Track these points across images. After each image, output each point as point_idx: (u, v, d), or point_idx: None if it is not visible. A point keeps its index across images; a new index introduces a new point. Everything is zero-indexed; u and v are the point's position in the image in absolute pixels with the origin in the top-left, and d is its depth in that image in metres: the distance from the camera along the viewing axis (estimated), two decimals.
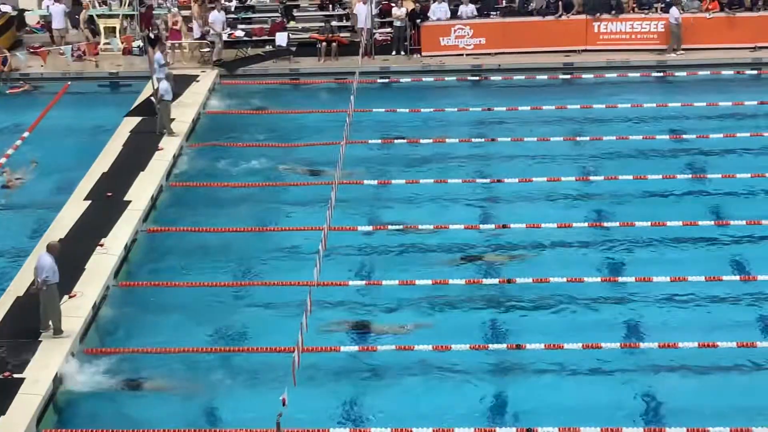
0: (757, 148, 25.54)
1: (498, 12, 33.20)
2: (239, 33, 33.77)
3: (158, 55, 28.99)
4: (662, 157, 25.28)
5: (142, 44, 31.90)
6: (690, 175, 24.16)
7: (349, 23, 34.03)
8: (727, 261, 20.70)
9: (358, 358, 18.08)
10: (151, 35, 30.07)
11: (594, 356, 17.74)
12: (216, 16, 32.44)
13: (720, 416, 16.07)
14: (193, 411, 16.89)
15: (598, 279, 20.04)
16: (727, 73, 30.73)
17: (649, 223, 21.70)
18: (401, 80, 31.43)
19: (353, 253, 21.61)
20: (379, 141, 26.90)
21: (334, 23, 33.70)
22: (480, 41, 32.63)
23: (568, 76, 31.19)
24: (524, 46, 32.39)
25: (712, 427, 15.71)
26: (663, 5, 32.44)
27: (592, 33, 32.33)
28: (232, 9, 34.39)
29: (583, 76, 31.00)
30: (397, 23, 32.46)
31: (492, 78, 31.19)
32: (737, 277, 19.92)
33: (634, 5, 32.76)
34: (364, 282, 20.44)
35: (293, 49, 33.09)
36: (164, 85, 26.59)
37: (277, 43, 33.10)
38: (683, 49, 31.57)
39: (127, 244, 21.45)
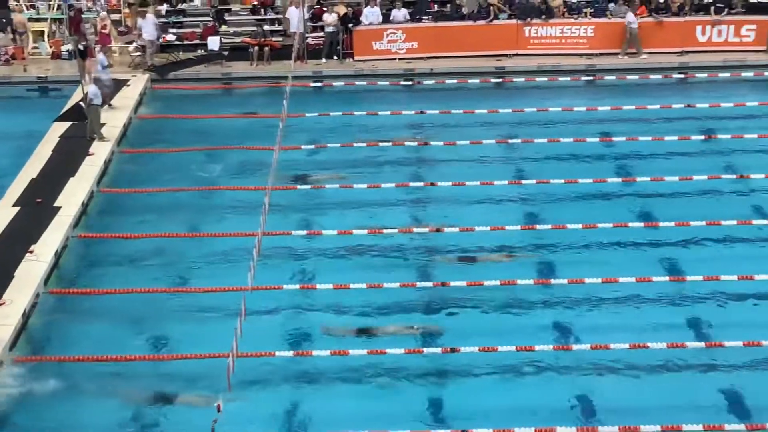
0: (685, 151, 25.93)
1: (430, 16, 33.36)
2: (171, 37, 33.53)
3: (101, 56, 28.74)
4: (593, 160, 25.54)
5: (71, 49, 31.49)
6: (620, 178, 24.44)
7: (281, 27, 33.94)
8: (656, 262, 20.99)
9: (293, 363, 18.05)
10: (80, 47, 29.66)
11: (528, 358, 17.89)
12: (143, 22, 32.15)
13: (651, 414, 16.32)
14: (126, 419, 16.72)
15: (531, 281, 20.20)
16: (655, 77, 31.19)
17: (580, 225, 21.94)
18: (334, 84, 31.43)
19: (288, 257, 21.56)
20: (313, 146, 26.87)
21: (266, 27, 33.59)
22: (412, 45, 32.76)
23: (500, 80, 31.42)
24: (456, 50, 32.58)
25: (643, 425, 15.95)
26: (592, 10, 32.88)
27: (523, 37, 32.62)
28: (164, 13, 34.11)
29: (515, 79, 31.24)
30: (329, 29, 32.43)
31: (424, 82, 31.30)
32: (667, 278, 20.22)
33: (564, 10, 33.13)
34: (298, 286, 20.41)
35: (225, 53, 32.92)
36: (93, 90, 26.28)
37: (209, 47, 32.91)
38: (629, 54, 32.07)
39: (58, 251, 21.17)
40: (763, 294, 19.61)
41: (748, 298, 19.54)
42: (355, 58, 32.72)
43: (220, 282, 20.09)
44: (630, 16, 31.90)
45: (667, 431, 15.89)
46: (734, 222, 21.96)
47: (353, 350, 17.98)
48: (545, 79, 31.05)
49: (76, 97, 28.49)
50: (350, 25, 32.83)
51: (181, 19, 34.39)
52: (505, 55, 32.57)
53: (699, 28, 32.41)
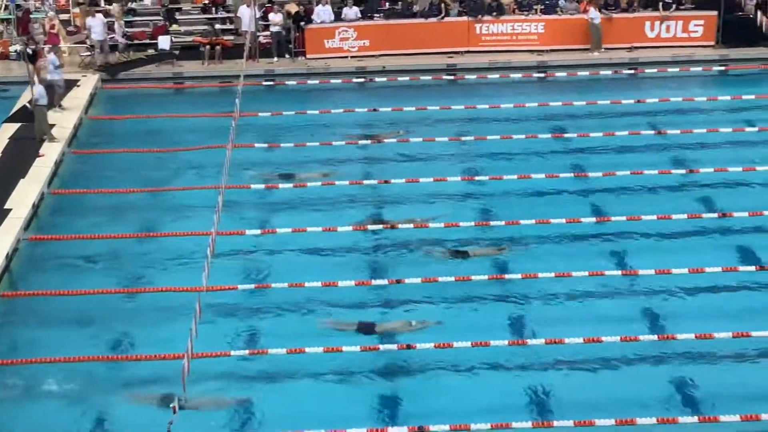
0: (636, 146, 26.15)
1: (382, 14, 33.39)
2: (120, 38, 33.24)
3: (52, 56, 28.47)
4: (545, 156, 25.68)
5: (20, 50, 31.14)
6: (572, 174, 24.60)
7: (232, 26, 33.80)
8: (608, 256, 21.16)
9: (250, 362, 18.01)
10: (29, 50, 29.33)
11: (483, 353, 17.97)
12: (92, 22, 31.87)
13: (606, 408, 16.44)
14: (80, 421, 16.58)
15: (485, 277, 20.29)
16: (606, 72, 31.44)
17: (533, 221, 22.07)
18: (286, 83, 31.35)
19: (242, 257, 21.50)
20: (265, 144, 26.80)
21: (217, 26, 33.45)
22: (364, 43, 32.77)
23: (452, 77, 31.51)
24: (408, 47, 32.64)
25: (598, 419, 16.08)
26: (543, 7, 33.07)
27: (474, 34, 32.75)
28: (113, 13, 33.79)
29: (467, 76, 31.36)
30: (275, 28, 32.32)
31: (377, 79, 31.31)
32: (619, 272, 20.39)
33: (515, 7, 33.30)
34: (253, 285, 20.36)
35: (176, 52, 32.72)
36: (39, 90, 26.01)
37: (160, 46, 32.69)
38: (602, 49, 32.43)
39: (9, 254, 20.94)
40: (714, 287, 19.83)
41: (699, 291, 19.74)
42: (307, 56, 32.67)
43: (174, 282, 19.98)
44: (593, 12, 32.09)
45: (622, 425, 16.01)
46: (684, 216, 22.20)
47: (309, 348, 17.95)
48: (497, 75, 31.18)
49: (25, 98, 28.17)
50: (302, 23, 32.76)
51: (132, 18, 34.11)
52: (457, 53, 32.67)
53: (648, 23, 32.72)
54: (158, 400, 16.47)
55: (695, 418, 16.22)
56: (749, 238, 21.55)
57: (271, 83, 31.50)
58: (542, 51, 32.56)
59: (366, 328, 18.85)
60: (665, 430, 15.99)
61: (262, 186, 24.47)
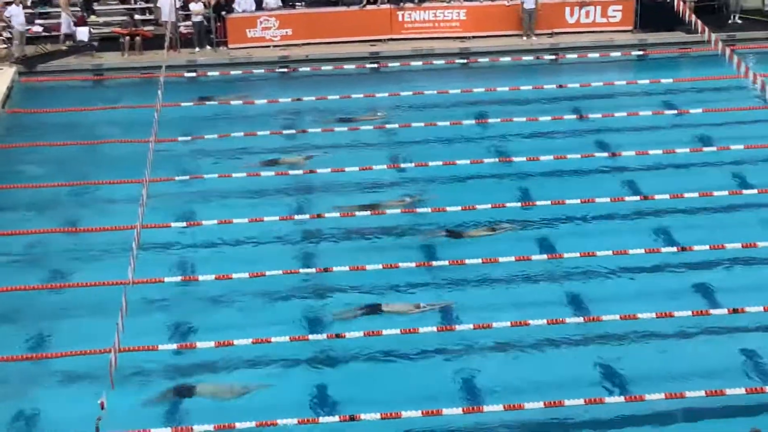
0: (559, 131, 26.41)
1: (304, 2, 33.25)
2: (38, 28, 32.68)
3: None
4: (470, 142, 25.79)
5: None
6: (497, 159, 24.76)
7: (152, 16, 33.41)
8: (533, 241, 21.37)
9: (179, 356, 17.89)
10: None
11: (411, 340, 18.04)
12: (14, 11, 31.27)
13: (534, 391, 16.64)
14: (6, 419, 16.32)
15: (413, 264, 20.36)
16: (528, 58, 31.67)
17: (459, 207, 22.20)
18: (209, 73, 31.08)
19: (168, 250, 21.32)
20: (189, 137, 26.56)
21: (137, 17, 33.03)
22: (287, 32, 32.62)
23: (376, 65, 31.50)
24: (331, 36, 32.56)
25: (527, 402, 16.25)
26: None
27: (397, 22, 32.78)
28: (29, 3, 33.21)
29: (390, 64, 31.36)
30: (196, 18, 32.01)
31: (300, 69, 31.17)
32: (545, 256, 20.60)
33: None
34: (180, 278, 20.21)
35: (95, 44, 32.26)
36: None
37: (78, 38, 32.18)
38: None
39: None
40: (637, 268, 20.12)
41: (624, 273, 20.01)
42: (230, 46, 32.44)
43: (100, 277, 19.73)
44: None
45: (550, 407, 16.20)
46: (608, 199, 22.49)
47: (237, 340, 17.87)
48: (420, 63, 31.23)
49: None
50: (223, 13, 32.50)
51: (48, 9, 33.52)
52: (380, 40, 32.69)
53: (568, 9, 33.03)
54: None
55: (622, 398, 16.47)
56: (670, 220, 21.88)
57: (193, 74, 31.21)
58: (464, 37, 32.66)
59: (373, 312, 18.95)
60: (592, 411, 16.21)
61: (187, 177, 24.26)
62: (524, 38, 32.56)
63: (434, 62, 31.33)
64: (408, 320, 18.51)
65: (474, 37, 32.77)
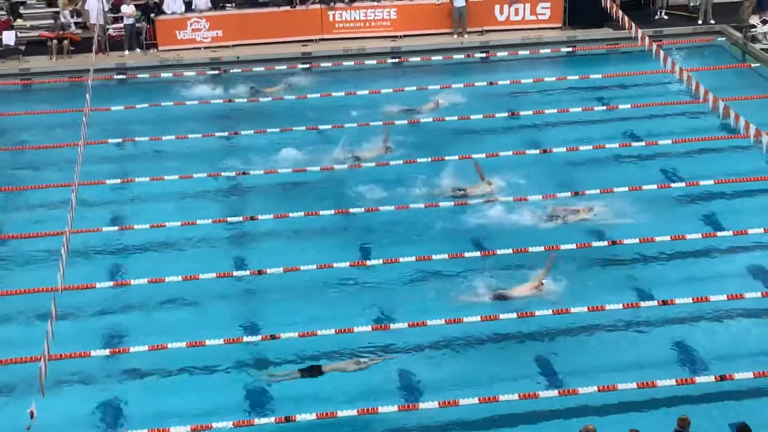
0: (491, 128, 26.55)
1: (233, 3, 33.06)
2: None
3: None
4: (402, 142, 25.77)
5: None
6: (429, 159, 24.79)
7: (80, 19, 33.00)
8: (468, 239, 21.46)
9: (110, 361, 17.74)
10: None
11: (346, 340, 18.04)
12: None
13: (470, 387, 16.75)
14: None
15: (347, 264, 20.35)
16: (459, 56, 31.80)
17: (393, 207, 22.24)
18: (139, 76, 30.80)
19: (99, 254, 21.12)
20: (120, 140, 26.31)
21: (64, 20, 32.60)
22: (217, 34, 32.43)
23: (307, 66, 31.42)
24: (262, 37, 32.44)
25: (462, 398, 16.34)
26: None
27: (328, 22, 32.75)
28: None
29: (322, 64, 31.30)
30: (128, 20, 31.70)
31: (232, 70, 30.99)
32: (478, 253, 20.72)
33: None
34: (112, 283, 20.02)
35: (22, 48, 31.80)
36: None
37: (4, 42, 31.69)
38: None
39: None
40: (568, 262, 20.26)
41: (553, 269, 20.12)
42: (159, 48, 32.17)
43: (29, 284, 19.48)
44: None
45: (485, 402, 16.31)
46: (540, 197, 22.68)
47: (171, 344, 17.74)
48: (351, 63, 31.22)
49: None
50: (152, 15, 32.23)
51: None
52: (311, 41, 32.64)
53: (497, 7, 33.19)
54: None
55: (555, 392, 16.64)
56: (601, 215, 22.07)
57: (123, 77, 30.91)
58: (395, 36, 32.73)
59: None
60: (526, 405, 16.36)
61: (118, 181, 24.03)
62: (455, 36, 32.71)
63: (366, 62, 31.32)
64: (343, 321, 18.48)
65: (405, 36, 32.83)
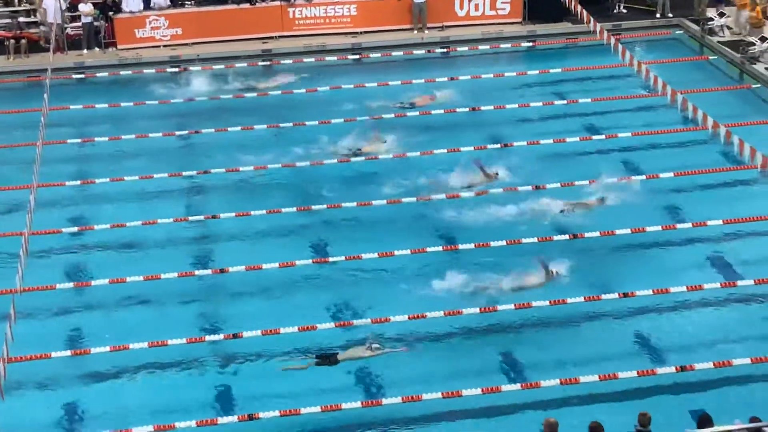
0: (452, 123, 26.55)
1: (193, 1, 32.90)
2: None
3: None
4: (362, 138, 25.71)
5: None
6: (391, 156, 24.75)
7: (37, 18, 32.71)
8: (431, 235, 21.49)
9: (72, 363, 17.63)
10: None
11: (310, 337, 18.03)
12: None
13: (434, 383, 16.82)
14: None
15: (310, 261, 20.34)
16: (419, 52, 31.79)
17: (354, 204, 22.22)
18: (97, 75, 30.57)
19: (59, 255, 20.99)
20: (79, 140, 26.12)
21: (21, 19, 32.29)
22: (176, 32, 32.24)
23: (268, 63, 31.30)
24: (222, 34, 32.30)
25: (425, 393, 16.38)
26: None
27: (288, 19, 32.64)
28: None
29: (283, 61, 31.20)
30: (86, 19, 31.45)
31: (192, 68, 30.84)
32: (440, 248, 20.75)
33: None
34: (72, 284, 19.90)
35: None
36: None
37: None
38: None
39: None
40: (530, 256, 20.35)
41: (516, 262, 20.18)
42: (118, 47, 31.94)
43: None
44: None
45: (448, 397, 16.37)
46: (500, 190, 22.75)
47: (133, 344, 17.65)
48: (312, 59, 31.13)
49: None
50: (111, 13, 32.00)
51: None
52: (272, 38, 32.55)
53: (457, 2, 33.17)
54: None
55: (518, 386, 16.72)
56: (554, 206, 22.14)
57: (82, 76, 30.68)
58: (356, 33, 32.70)
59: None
60: (489, 399, 16.41)
61: (78, 182, 23.87)
62: (416, 32, 32.74)
63: (326, 58, 31.25)
64: (306, 318, 18.47)
65: (365, 32, 32.80)
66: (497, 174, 23.30)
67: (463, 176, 23.32)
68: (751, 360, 16.96)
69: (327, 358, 17.45)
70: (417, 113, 26.91)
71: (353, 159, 24.42)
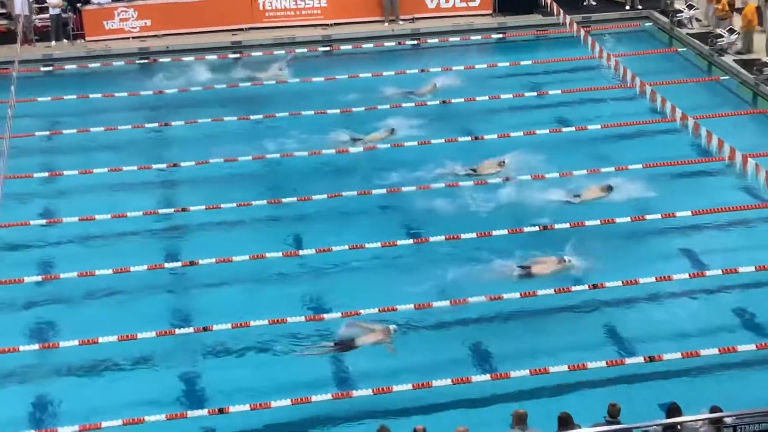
0: (422, 116, 26.45)
1: None
2: None
3: None
4: (331, 129, 25.65)
5: None
6: (362, 148, 24.73)
7: (5, 10, 32.45)
8: (400, 227, 21.49)
9: (40, 357, 17.54)
10: None
11: (280, 330, 17.99)
12: None
13: (406, 372, 16.85)
14: None
15: (280, 254, 20.30)
16: (390, 44, 31.76)
17: (326, 195, 22.19)
18: (66, 67, 30.36)
19: (28, 248, 20.85)
20: (47, 132, 25.95)
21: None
22: (146, 23, 32.09)
23: (238, 55, 31.19)
24: (191, 26, 32.17)
25: (396, 385, 16.40)
26: None
27: (258, 10, 32.57)
28: None
29: (252, 53, 31.08)
30: (54, 11, 31.22)
31: (161, 60, 30.68)
32: (411, 241, 20.77)
33: None
34: (40, 277, 19.79)
35: None
36: None
37: None
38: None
39: None
40: (502, 250, 20.37)
41: (489, 257, 20.18)
42: (87, 38, 31.75)
43: None
44: None
45: (419, 388, 16.39)
46: (471, 183, 22.79)
47: (102, 338, 17.57)
48: (282, 51, 31.02)
49: None
50: (78, 5, 31.79)
51: None
52: (241, 29, 32.43)
53: None
54: None
55: (488, 376, 16.76)
56: (533, 200, 22.22)
57: (50, 68, 30.47)
58: (326, 25, 32.64)
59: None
60: (459, 390, 16.43)
61: (46, 174, 23.72)
62: (387, 24, 32.71)
63: (297, 50, 31.15)
64: (279, 310, 18.40)
65: (335, 24, 32.74)
66: (505, 162, 23.33)
67: (471, 165, 23.40)
68: (719, 350, 17.07)
69: (345, 344, 17.48)
70: (387, 106, 26.78)
71: (324, 151, 24.36)
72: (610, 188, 22.23)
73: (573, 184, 22.50)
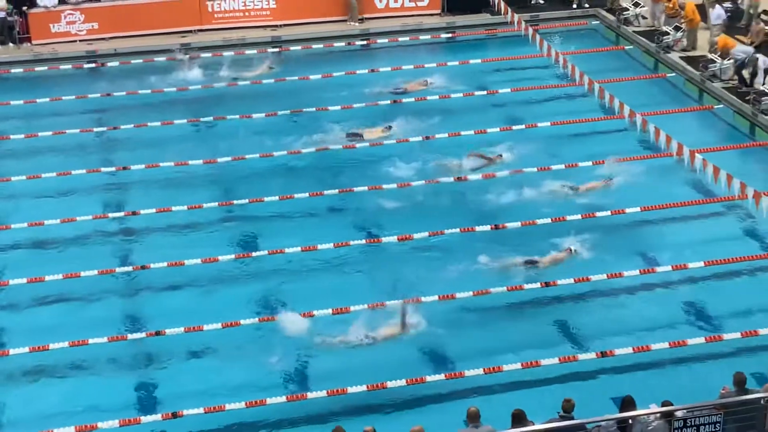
0: (374, 115, 26.51)
1: None
2: None
3: None
4: (286, 133, 25.60)
5: None
6: (314, 149, 24.67)
7: None
8: (353, 227, 21.51)
9: None
10: None
11: (231, 333, 17.92)
12: None
13: (361, 373, 16.79)
14: None
15: (233, 256, 20.24)
16: (339, 44, 31.72)
17: (277, 197, 22.17)
18: (12, 71, 30.00)
19: None
20: None
21: None
22: (93, 26, 31.79)
23: (188, 57, 30.94)
24: (139, 28, 31.92)
25: (350, 386, 16.41)
26: None
27: (207, 12, 32.40)
28: None
29: (202, 55, 30.89)
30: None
31: (109, 64, 30.42)
32: (363, 241, 20.78)
33: None
34: None
35: None
36: None
37: None
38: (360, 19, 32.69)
39: None
40: (451, 250, 20.42)
41: (442, 257, 20.25)
42: (33, 42, 31.39)
43: None
44: None
45: (373, 390, 16.43)
46: (423, 182, 22.84)
47: (53, 344, 17.40)
48: (232, 53, 30.88)
49: None
50: (25, 8, 31.43)
51: None
52: (190, 31, 32.25)
53: None
54: None
55: (443, 376, 16.82)
56: (485, 200, 22.30)
57: None
58: (275, 26, 32.55)
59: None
60: (414, 390, 16.50)
61: None
62: (351, 24, 32.65)
63: (246, 52, 31.02)
64: (227, 314, 18.32)
65: (285, 25, 32.66)
66: (501, 156, 23.34)
67: (467, 162, 23.53)
68: (669, 344, 17.27)
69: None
70: (338, 107, 26.75)
71: (276, 153, 24.30)
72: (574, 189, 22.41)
73: (525, 182, 22.62)
